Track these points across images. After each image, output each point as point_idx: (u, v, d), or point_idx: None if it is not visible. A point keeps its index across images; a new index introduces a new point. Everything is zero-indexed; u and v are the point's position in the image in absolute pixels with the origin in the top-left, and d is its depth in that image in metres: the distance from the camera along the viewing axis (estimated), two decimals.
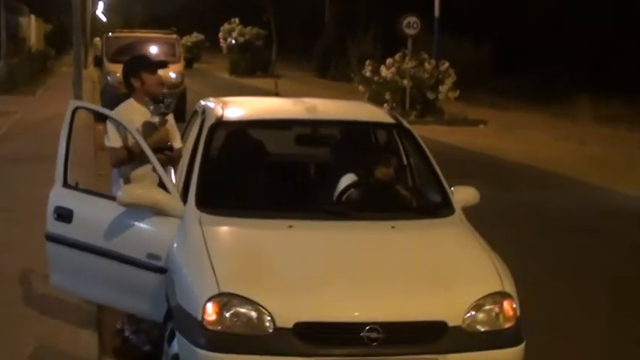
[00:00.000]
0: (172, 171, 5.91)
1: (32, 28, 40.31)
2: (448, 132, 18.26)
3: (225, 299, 3.98)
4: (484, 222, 5.34)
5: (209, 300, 3.99)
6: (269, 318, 3.94)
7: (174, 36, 21.35)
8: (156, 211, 4.77)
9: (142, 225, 4.85)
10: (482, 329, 4.14)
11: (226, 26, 41.15)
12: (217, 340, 3.94)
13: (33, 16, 40.35)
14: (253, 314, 3.96)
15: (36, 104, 20.02)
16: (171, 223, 4.74)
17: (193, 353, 3.98)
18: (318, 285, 4.13)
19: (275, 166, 5.71)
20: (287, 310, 3.96)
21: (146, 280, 4.80)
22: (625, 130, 18.95)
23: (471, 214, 5.15)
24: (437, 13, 22.19)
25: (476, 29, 29.37)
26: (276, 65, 40.47)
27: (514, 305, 4.24)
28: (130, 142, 5.19)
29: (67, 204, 5.10)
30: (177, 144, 5.49)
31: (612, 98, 21.30)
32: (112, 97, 17.75)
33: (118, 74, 18.41)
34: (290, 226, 4.59)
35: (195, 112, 6.06)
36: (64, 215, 5.07)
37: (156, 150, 5.12)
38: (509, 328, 4.20)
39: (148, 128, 5.31)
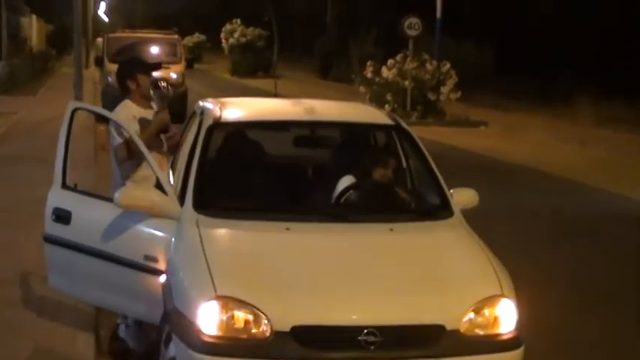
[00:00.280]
0: (170, 172, 5.90)
1: (33, 28, 40.34)
2: (449, 133, 18.23)
3: (222, 302, 3.96)
4: (484, 224, 5.31)
5: (206, 303, 3.96)
6: (266, 321, 3.91)
7: (176, 36, 21.36)
8: (153, 213, 4.75)
9: (140, 227, 4.82)
10: (481, 333, 4.11)
11: (228, 27, 41.15)
12: (214, 343, 3.91)
13: (34, 16, 40.37)
14: (250, 317, 3.94)
15: (36, 105, 20.01)
16: (169, 225, 4.72)
17: (190, 357, 3.95)
18: (315, 288, 4.10)
19: (273, 167, 5.68)
20: (284, 313, 3.93)
21: (143, 282, 4.78)
22: (626, 131, 18.91)
23: (471, 216, 5.12)
24: (439, 14, 22.19)
25: (477, 30, 29.34)
26: (278, 66, 40.45)
27: (513, 309, 4.21)
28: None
29: (65, 205, 5.08)
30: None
31: (614, 100, 21.26)
32: (113, 98, 17.74)
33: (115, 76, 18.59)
34: (287, 229, 4.56)
35: (194, 112, 6.04)
36: (63, 217, 5.05)
37: (158, 133, 5.20)
38: (508, 332, 4.17)
39: (143, 124, 5.33)
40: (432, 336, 4.00)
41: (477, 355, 4.05)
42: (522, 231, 9.34)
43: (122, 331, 5.41)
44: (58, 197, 5.15)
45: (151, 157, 5.02)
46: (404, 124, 5.64)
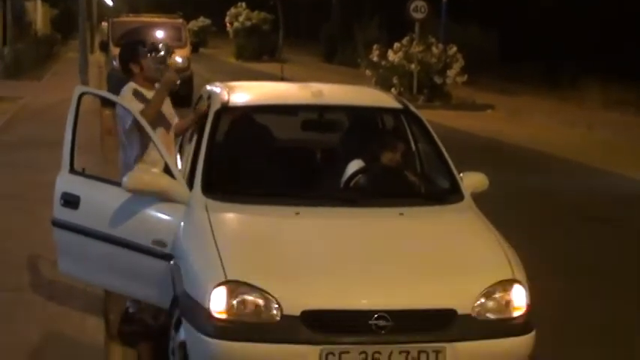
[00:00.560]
0: (179, 156, 5.89)
1: (38, 12, 40.24)
2: (456, 116, 18.16)
3: (232, 287, 3.95)
4: (492, 208, 5.28)
5: (216, 287, 3.96)
6: (276, 306, 3.90)
7: (181, 20, 21.30)
8: (161, 197, 4.74)
9: (148, 211, 4.81)
10: (492, 317, 4.10)
11: (233, 10, 40.99)
12: (224, 327, 3.91)
13: (39, 0, 40.25)
14: (260, 302, 3.93)
15: (42, 90, 19.97)
16: (178, 209, 4.71)
17: (200, 341, 3.95)
18: (326, 273, 4.09)
19: (281, 152, 5.66)
20: (294, 297, 3.93)
21: (152, 266, 4.77)
22: (633, 114, 18.84)
23: (479, 200, 5.09)
24: None
25: (482, 13, 29.20)
26: (283, 50, 40.30)
27: (524, 293, 4.19)
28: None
29: (73, 190, 5.07)
30: (175, 119, 5.57)
31: (620, 83, 21.16)
32: (118, 82, 17.72)
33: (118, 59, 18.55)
34: (297, 213, 4.54)
35: (201, 97, 6.02)
36: (71, 201, 5.04)
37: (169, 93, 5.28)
38: (519, 316, 4.16)
39: (140, 99, 5.34)
40: (444, 320, 3.99)
41: (488, 339, 4.03)
42: (530, 214, 9.30)
43: (133, 307, 5.40)
44: (66, 182, 5.14)
45: (159, 141, 5.00)
46: (413, 108, 5.61)
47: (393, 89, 20.50)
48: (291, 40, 43.40)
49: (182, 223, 4.61)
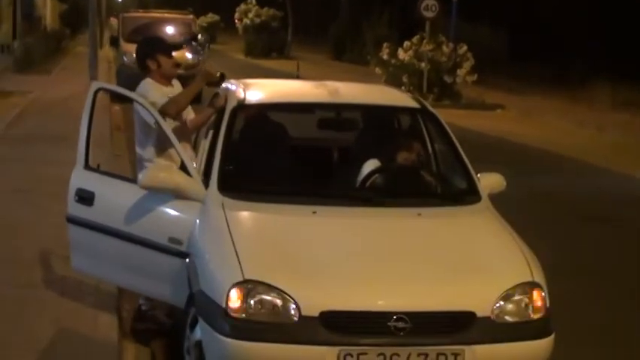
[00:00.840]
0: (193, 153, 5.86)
1: (47, 6, 40.21)
2: (465, 116, 18.08)
3: (249, 286, 3.92)
4: (502, 209, 5.21)
5: (233, 287, 3.92)
6: (294, 306, 3.87)
7: (191, 17, 21.29)
8: (177, 194, 4.70)
9: (164, 209, 4.79)
10: (511, 320, 4.06)
11: (242, 7, 40.96)
12: (241, 327, 3.88)
13: None
14: (278, 302, 3.89)
15: (51, 84, 19.94)
16: (193, 207, 4.68)
17: (217, 340, 3.92)
18: (344, 273, 4.05)
19: (297, 150, 5.62)
20: (313, 298, 3.89)
21: (167, 264, 4.74)
22: None
23: (493, 200, 5.04)
24: None
25: (492, 13, 29.10)
26: (292, 47, 40.27)
27: (544, 296, 4.15)
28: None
29: (88, 186, 5.04)
30: (191, 115, 5.55)
31: (630, 84, 21.08)
32: (128, 77, 17.67)
33: (135, 54, 18.57)
34: (314, 212, 4.51)
35: (216, 94, 5.98)
36: (86, 198, 5.01)
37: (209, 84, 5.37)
38: (538, 319, 4.12)
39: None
40: (463, 323, 3.95)
41: (507, 342, 4.00)
42: (540, 215, 9.24)
43: (146, 305, 5.38)
44: (80, 178, 5.11)
45: (175, 138, 4.97)
46: (430, 107, 5.57)
47: (402, 88, 20.44)
48: (299, 37, 43.33)
49: (198, 221, 4.58)
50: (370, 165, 5.20)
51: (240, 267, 3.98)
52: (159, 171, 4.82)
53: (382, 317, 3.87)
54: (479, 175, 5.11)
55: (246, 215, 4.55)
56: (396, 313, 3.87)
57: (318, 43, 41.22)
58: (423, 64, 20.81)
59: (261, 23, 39.75)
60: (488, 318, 3.99)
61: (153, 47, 5.50)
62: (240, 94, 5.36)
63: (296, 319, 3.86)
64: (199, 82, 5.44)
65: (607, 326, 5.96)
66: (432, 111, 5.53)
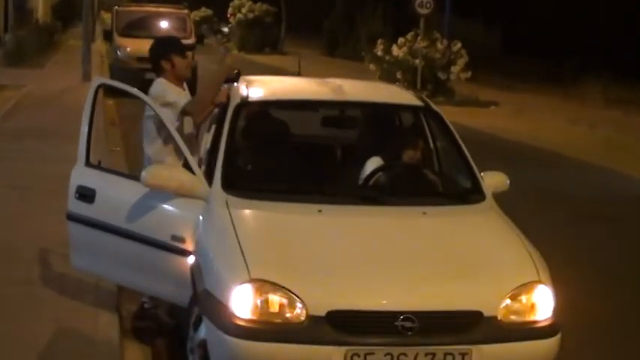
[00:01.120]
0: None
1: None
2: (459, 113, 18.02)
3: (256, 286, 3.88)
4: (498, 206, 5.18)
5: (239, 286, 3.89)
6: (301, 305, 3.84)
7: (186, 11, 21.12)
8: (180, 193, 4.66)
9: (167, 206, 4.74)
10: (518, 319, 4.05)
11: (236, 2, 40.88)
12: (247, 327, 3.84)
13: None
14: (285, 301, 3.86)
15: (44, 78, 19.81)
16: (197, 204, 4.64)
17: (222, 340, 3.88)
18: (351, 272, 4.02)
19: (301, 147, 5.59)
20: (320, 297, 3.86)
21: (170, 262, 4.70)
22: (635, 113, 18.86)
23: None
24: None
25: (486, 10, 29.12)
26: (285, 42, 40.20)
27: (550, 295, 4.14)
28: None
29: (89, 183, 4.99)
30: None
31: (622, 81, 21.17)
32: (121, 72, 17.61)
33: (129, 49, 18.54)
34: (320, 211, 4.47)
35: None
36: (87, 195, 4.96)
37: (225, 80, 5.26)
38: (545, 318, 4.10)
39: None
40: (470, 322, 3.93)
41: (514, 342, 3.98)
42: (537, 213, 9.22)
43: (149, 303, 5.34)
44: (81, 175, 5.06)
45: (178, 135, 4.92)
46: (433, 105, 5.55)
47: (397, 84, 20.42)
48: (293, 32, 43.26)
49: (201, 219, 4.54)
50: (372, 163, 5.18)
51: (247, 266, 3.94)
52: (162, 169, 4.78)
53: (389, 317, 3.85)
54: (482, 174, 5.09)
55: (250, 214, 4.52)
56: (403, 313, 3.84)
57: (312, 38, 41.19)
58: (417, 61, 20.81)
59: (254, 18, 39.69)
60: (495, 317, 3.97)
61: (167, 48, 5.41)
62: (243, 91, 5.32)
63: (303, 318, 3.84)
64: (222, 75, 5.32)
65: (607, 326, 5.95)
66: (435, 109, 5.51)
